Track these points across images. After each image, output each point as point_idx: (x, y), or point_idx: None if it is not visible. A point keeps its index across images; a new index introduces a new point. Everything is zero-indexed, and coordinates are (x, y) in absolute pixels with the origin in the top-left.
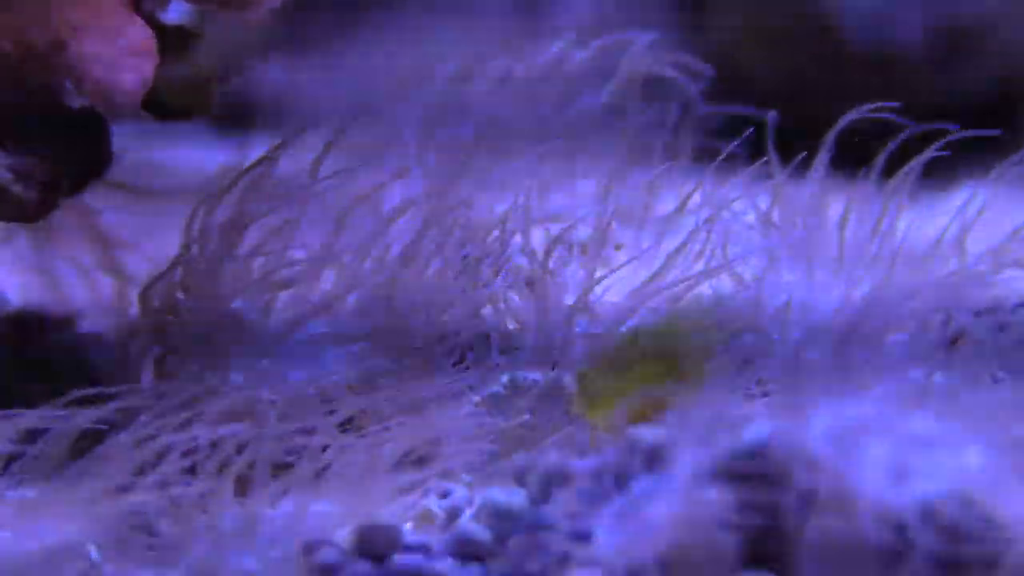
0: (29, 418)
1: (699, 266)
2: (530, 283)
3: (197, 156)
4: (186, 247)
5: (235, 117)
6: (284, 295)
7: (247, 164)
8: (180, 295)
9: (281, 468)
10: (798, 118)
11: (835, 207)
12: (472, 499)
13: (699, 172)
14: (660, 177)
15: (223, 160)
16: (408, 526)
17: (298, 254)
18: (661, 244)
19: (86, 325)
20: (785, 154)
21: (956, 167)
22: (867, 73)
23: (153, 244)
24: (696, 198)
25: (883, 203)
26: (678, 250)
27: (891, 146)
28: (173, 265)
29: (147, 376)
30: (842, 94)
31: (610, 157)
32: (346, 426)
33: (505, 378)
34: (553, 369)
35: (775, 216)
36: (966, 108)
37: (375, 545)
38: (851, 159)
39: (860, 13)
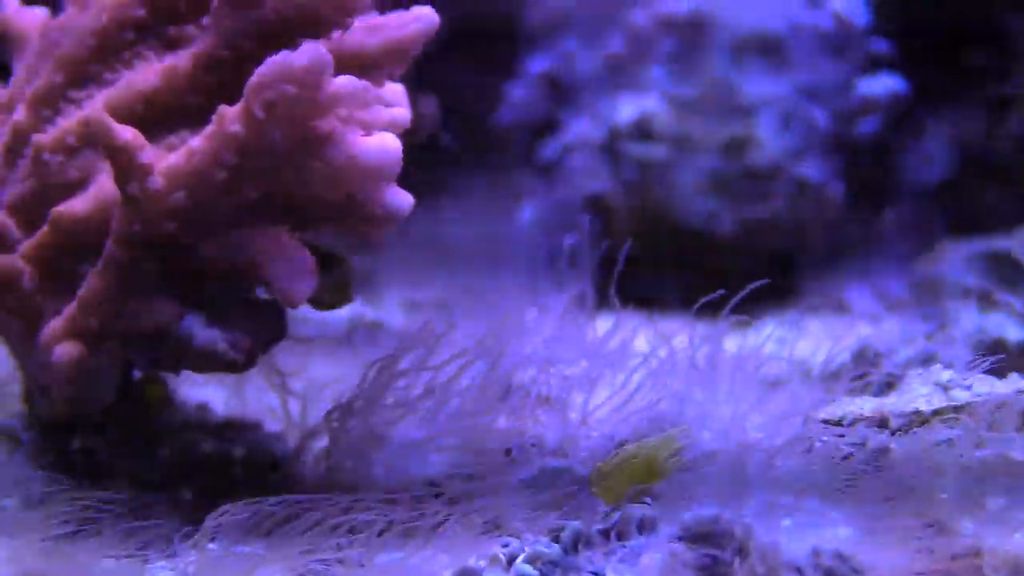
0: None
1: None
2: (547, 403)
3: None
4: (360, 387)
5: None
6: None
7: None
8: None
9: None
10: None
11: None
12: (524, 549)
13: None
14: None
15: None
16: (482, 563)
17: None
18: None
19: (269, 427)
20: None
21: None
22: (704, 249)
23: (308, 373)
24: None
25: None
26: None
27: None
28: (351, 398)
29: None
30: (681, 261)
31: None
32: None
33: (537, 467)
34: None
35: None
36: (758, 269)
37: None
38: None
39: (702, 217)
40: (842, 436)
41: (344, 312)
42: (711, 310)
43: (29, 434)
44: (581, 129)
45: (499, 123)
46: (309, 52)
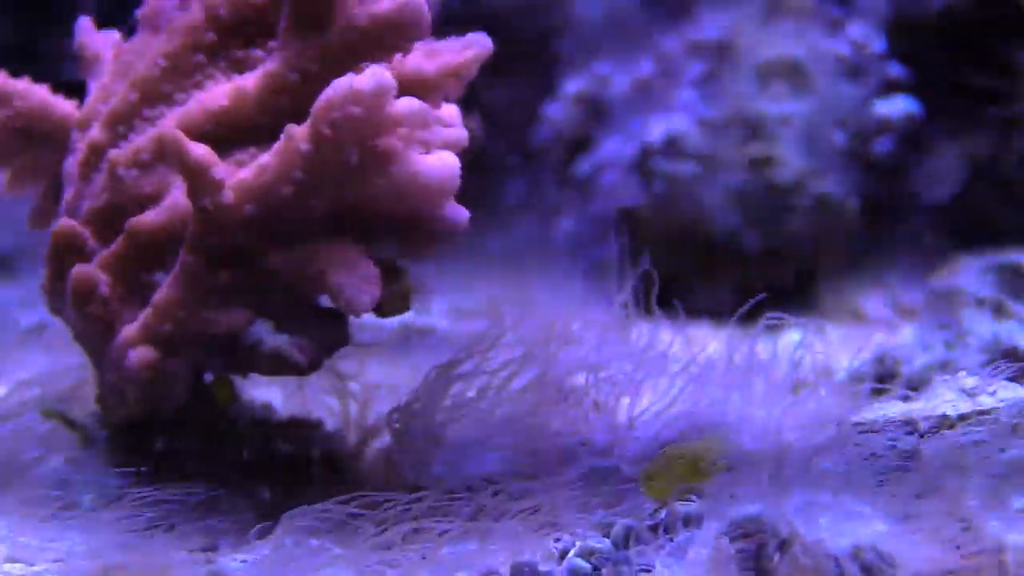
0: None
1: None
2: (595, 406)
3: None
4: (419, 390)
5: None
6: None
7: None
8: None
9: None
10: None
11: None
12: (575, 544)
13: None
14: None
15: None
16: (537, 557)
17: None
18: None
19: (328, 426)
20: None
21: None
22: (729, 261)
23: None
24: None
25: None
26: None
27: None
28: (410, 399)
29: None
30: (708, 271)
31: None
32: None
33: (587, 467)
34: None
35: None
36: (780, 279)
37: (523, 572)
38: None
39: (728, 230)
40: (873, 438)
41: (395, 318)
42: (738, 318)
43: (102, 433)
44: (614, 146)
45: (536, 141)
46: (374, 75)
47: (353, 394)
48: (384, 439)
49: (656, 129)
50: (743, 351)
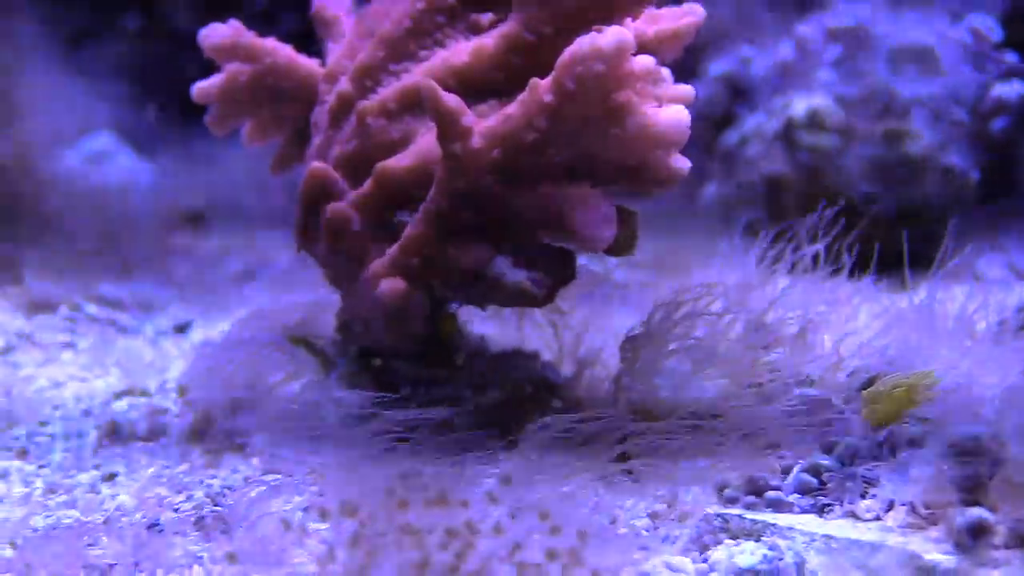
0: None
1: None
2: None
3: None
4: (647, 324)
5: None
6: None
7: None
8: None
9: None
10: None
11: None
12: (799, 462)
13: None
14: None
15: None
16: (765, 473)
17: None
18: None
19: (544, 358)
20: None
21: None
22: (866, 224)
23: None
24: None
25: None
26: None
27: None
28: (639, 333)
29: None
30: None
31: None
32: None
33: (799, 396)
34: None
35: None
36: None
37: (756, 486)
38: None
39: (865, 196)
40: None
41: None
42: (877, 274)
43: (342, 361)
44: (758, 121)
45: None
46: (615, 34)
47: (568, 327)
48: (596, 369)
49: (799, 105)
50: (916, 300)
